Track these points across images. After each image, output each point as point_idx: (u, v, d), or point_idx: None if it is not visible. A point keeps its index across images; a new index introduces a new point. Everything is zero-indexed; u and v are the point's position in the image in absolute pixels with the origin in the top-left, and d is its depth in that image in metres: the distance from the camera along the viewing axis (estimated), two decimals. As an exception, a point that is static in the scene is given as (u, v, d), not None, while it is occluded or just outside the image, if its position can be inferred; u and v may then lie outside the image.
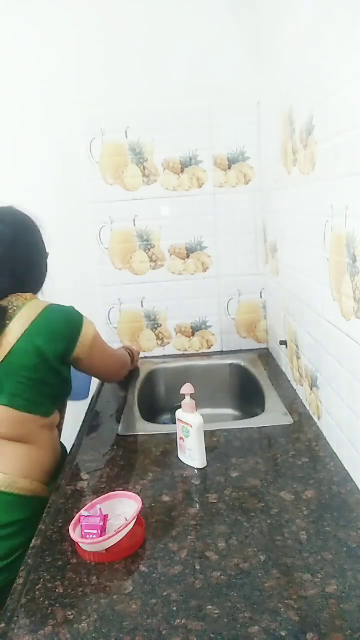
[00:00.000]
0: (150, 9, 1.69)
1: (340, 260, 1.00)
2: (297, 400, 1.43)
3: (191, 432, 1.11)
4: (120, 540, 0.85)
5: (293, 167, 1.32)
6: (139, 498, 0.93)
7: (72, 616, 0.74)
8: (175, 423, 1.16)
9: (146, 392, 1.71)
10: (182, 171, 1.80)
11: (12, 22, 1.70)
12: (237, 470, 1.10)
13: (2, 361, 1.08)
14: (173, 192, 1.81)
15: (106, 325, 1.92)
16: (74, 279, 1.80)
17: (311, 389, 1.31)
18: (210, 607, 0.73)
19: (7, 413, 1.09)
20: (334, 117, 0.98)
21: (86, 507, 0.93)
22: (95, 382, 1.59)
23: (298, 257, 1.36)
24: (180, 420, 1.13)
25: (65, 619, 0.73)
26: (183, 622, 0.71)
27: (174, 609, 0.73)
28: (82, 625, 0.72)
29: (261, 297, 1.91)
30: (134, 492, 0.97)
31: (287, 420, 1.31)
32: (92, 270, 1.87)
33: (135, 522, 0.89)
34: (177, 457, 1.17)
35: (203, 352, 1.96)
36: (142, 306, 1.92)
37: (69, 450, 1.28)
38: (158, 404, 1.81)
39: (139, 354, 1.83)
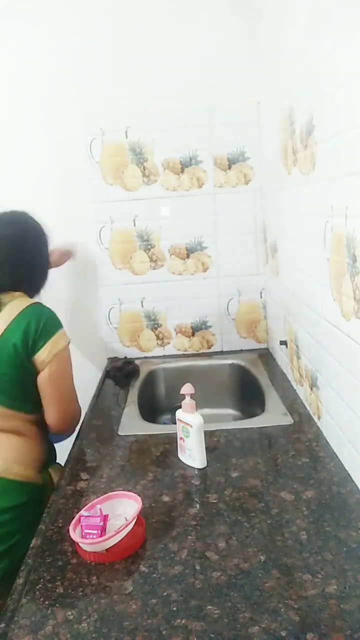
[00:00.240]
0: (150, 9, 1.69)
1: (340, 260, 1.00)
2: (297, 400, 1.43)
3: (191, 432, 1.11)
4: (120, 540, 0.85)
5: (293, 167, 1.32)
6: (139, 498, 0.93)
7: (72, 616, 0.74)
8: (175, 423, 1.16)
9: (146, 392, 1.71)
10: (182, 171, 1.80)
11: (12, 22, 1.70)
12: (237, 470, 1.10)
13: None
14: (173, 192, 1.81)
15: (106, 326, 1.92)
16: (74, 279, 1.80)
17: (311, 389, 1.31)
18: (210, 607, 0.73)
19: None
20: (334, 117, 0.98)
21: (86, 507, 0.93)
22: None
23: (298, 257, 1.36)
24: (180, 420, 1.13)
25: (65, 619, 0.73)
26: (183, 622, 0.71)
27: (174, 609, 0.73)
28: (82, 625, 0.72)
29: (261, 297, 1.91)
30: (134, 492, 0.97)
31: (287, 420, 1.31)
32: (92, 270, 1.87)
33: (135, 522, 0.89)
34: (177, 457, 1.17)
35: (203, 352, 1.96)
36: (142, 306, 1.92)
37: (68, 451, 1.28)
38: (158, 404, 1.81)
39: None
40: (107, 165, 1.79)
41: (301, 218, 1.30)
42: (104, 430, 1.38)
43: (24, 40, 1.71)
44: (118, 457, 1.20)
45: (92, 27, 1.71)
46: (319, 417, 1.25)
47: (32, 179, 1.79)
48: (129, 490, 1.00)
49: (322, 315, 1.15)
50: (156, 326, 1.94)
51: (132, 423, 1.39)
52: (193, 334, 1.95)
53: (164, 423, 1.69)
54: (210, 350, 1.96)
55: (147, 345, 1.95)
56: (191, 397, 1.13)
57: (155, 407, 1.78)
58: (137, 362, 1.85)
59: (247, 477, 1.06)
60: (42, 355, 1.14)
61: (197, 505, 0.98)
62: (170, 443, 1.23)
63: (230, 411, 1.80)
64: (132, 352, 1.95)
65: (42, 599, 0.77)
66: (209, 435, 1.21)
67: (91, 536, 0.85)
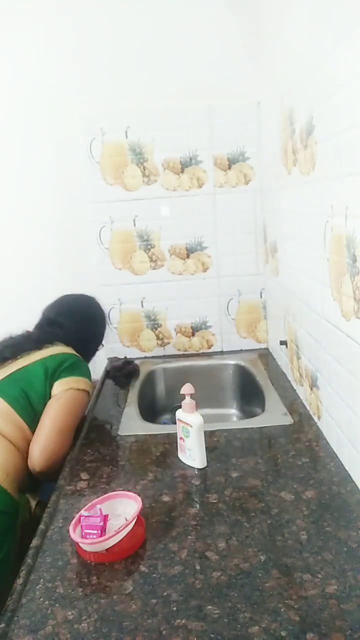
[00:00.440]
0: (150, 9, 1.69)
1: (340, 260, 1.00)
2: (297, 400, 1.43)
3: (191, 432, 1.11)
4: (120, 540, 0.85)
5: (293, 167, 1.32)
6: (139, 498, 0.93)
7: (72, 616, 0.74)
8: (175, 423, 1.16)
9: (146, 392, 1.71)
10: (182, 171, 1.80)
11: (13, 22, 1.70)
12: (237, 470, 1.10)
13: (16, 371, 1.27)
14: (173, 192, 1.81)
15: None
16: (74, 279, 1.80)
17: (311, 389, 1.31)
18: (210, 607, 0.73)
19: (4, 407, 1.20)
20: (334, 117, 0.98)
21: (86, 507, 0.93)
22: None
23: (298, 257, 1.36)
24: (180, 420, 1.13)
25: (65, 619, 0.73)
26: (183, 622, 0.71)
27: (174, 609, 0.73)
28: (82, 625, 0.72)
29: (261, 297, 1.91)
30: (134, 492, 0.97)
31: (287, 420, 1.31)
32: (92, 270, 1.87)
33: (135, 522, 0.89)
34: (177, 457, 1.17)
35: (203, 352, 1.96)
36: (142, 306, 1.92)
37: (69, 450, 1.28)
38: (158, 404, 1.81)
39: None
40: (107, 165, 1.79)
41: (301, 218, 1.30)
42: (104, 430, 1.38)
43: (24, 41, 1.71)
44: (118, 457, 1.20)
45: (92, 27, 1.71)
46: (319, 417, 1.25)
47: (32, 179, 1.80)
48: (129, 490, 1.00)
49: (322, 315, 1.15)
50: (156, 326, 1.94)
51: (132, 423, 1.39)
52: (193, 334, 1.95)
53: (164, 423, 1.69)
54: (210, 350, 1.96)
55: (147, 345, 1.95)
56: (191, 397, 1.13)
57: (155, 407, 1.78)
58: (137, 362, 1.84)
59: (247, 477, 1.06)
60: (60, 386, 1.26)
61: (197, 505, 0.98)
62: (170, 443, 1.23)
63: (230, 411, 1.80)
64: (132, 352, 1.95)
65: (42, 599, 0.77)
66: (209, 435, 1.21)
67: (91, 536, 0.85)
